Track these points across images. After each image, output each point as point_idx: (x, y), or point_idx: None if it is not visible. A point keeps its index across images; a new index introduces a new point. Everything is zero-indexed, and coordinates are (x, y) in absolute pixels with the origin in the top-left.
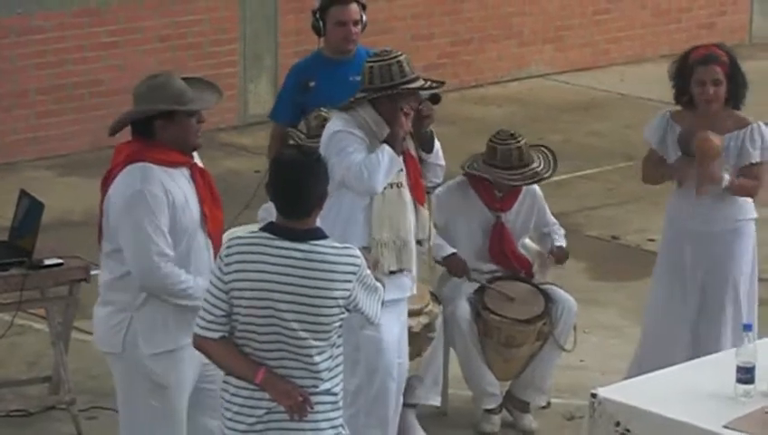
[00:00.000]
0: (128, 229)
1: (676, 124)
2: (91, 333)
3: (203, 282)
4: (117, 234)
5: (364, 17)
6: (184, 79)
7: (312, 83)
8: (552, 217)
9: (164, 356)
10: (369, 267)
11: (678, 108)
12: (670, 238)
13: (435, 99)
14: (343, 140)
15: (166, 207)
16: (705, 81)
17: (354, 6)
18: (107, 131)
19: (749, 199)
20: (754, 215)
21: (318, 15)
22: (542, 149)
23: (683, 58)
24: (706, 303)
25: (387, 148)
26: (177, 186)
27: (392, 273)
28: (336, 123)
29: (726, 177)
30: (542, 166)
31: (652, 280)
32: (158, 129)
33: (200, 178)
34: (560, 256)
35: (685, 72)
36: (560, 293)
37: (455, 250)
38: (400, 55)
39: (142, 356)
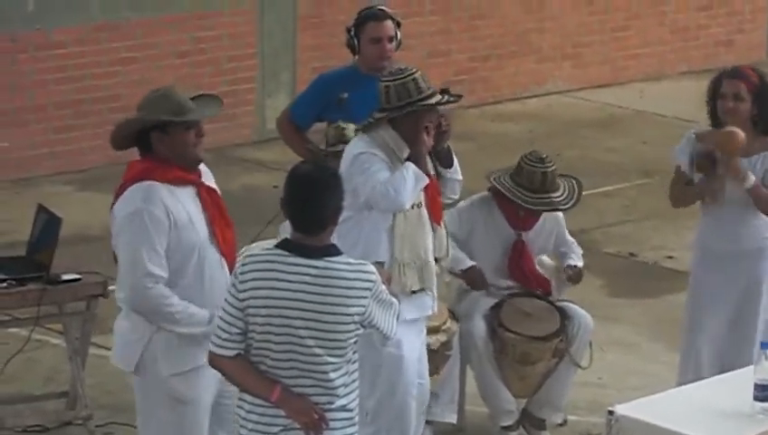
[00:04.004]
0: (122, 247)
1: (698, 143)
2: (108, 349)
3: (196, 310)
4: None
5: (399, 34)
6: (193, 97)
7: (346, 95)
8: (570, 237)
9: (183, 375)
10: (383, 282)
11: (707, 128)
12: (699, 258)
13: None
14: (366, 161)
15: (165, 227)
16: (726, 94)
17: (389, 23)
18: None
19: None
20: None
21: (352, 33)
22: (572, 180)
23: (716, 76)
24: (737, 321)
25: (411, 164)
26: (181, 205)
27: (414, 292)
28: (357, 145)
29: (752, 177)
30: (563, 197)
31: (686, 298)
32: (153, 141)
33: (207, 197)
34: (574, 277)
35: (714, 88)
36: (576, 309)
37: (474, 263)
38: (415, 72)
39: (161, 374)
